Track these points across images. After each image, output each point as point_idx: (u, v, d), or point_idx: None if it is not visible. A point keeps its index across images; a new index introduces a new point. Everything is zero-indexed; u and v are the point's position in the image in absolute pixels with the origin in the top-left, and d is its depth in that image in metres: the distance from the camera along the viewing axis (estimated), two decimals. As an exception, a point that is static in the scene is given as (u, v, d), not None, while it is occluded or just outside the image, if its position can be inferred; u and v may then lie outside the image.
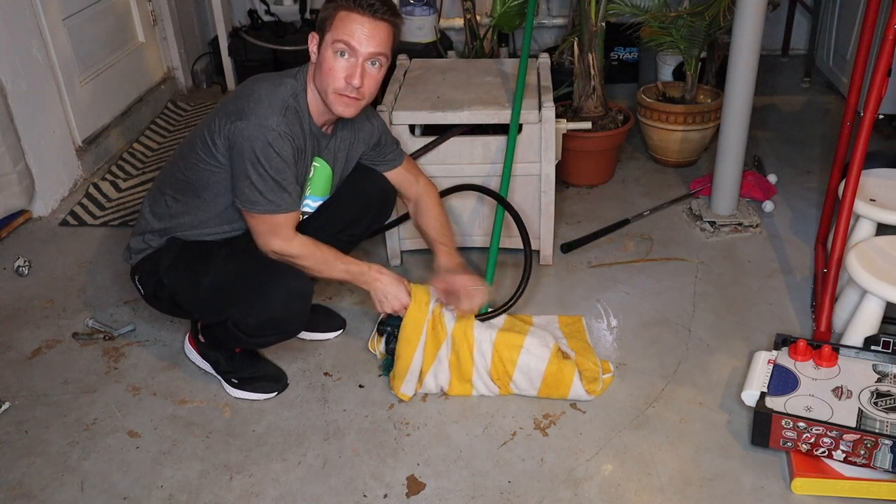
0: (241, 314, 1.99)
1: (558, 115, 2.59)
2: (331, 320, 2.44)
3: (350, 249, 2.29)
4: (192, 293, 2.04)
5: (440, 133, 2.56)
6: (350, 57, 1.91)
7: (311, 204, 2.17)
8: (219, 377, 2.22)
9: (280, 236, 1.99)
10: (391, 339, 2.22)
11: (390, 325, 2.24)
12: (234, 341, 2.08)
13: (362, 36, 1.90)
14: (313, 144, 2.06)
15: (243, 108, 1.93)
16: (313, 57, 1.98)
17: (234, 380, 2.19)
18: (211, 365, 2.22)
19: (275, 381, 2.22)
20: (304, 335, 2.39)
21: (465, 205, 2.67)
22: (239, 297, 1.99)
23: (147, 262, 2.10)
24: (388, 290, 2.10)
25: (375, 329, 2.34)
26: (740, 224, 2.88)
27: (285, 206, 1.98)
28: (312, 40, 1.97)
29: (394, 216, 2.61)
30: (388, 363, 2.24)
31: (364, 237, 2.41)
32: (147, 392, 2.22)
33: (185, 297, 2.07)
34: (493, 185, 2.59)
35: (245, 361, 2.19)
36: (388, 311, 2.13)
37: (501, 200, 2.47)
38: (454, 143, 2.57)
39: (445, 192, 2.54)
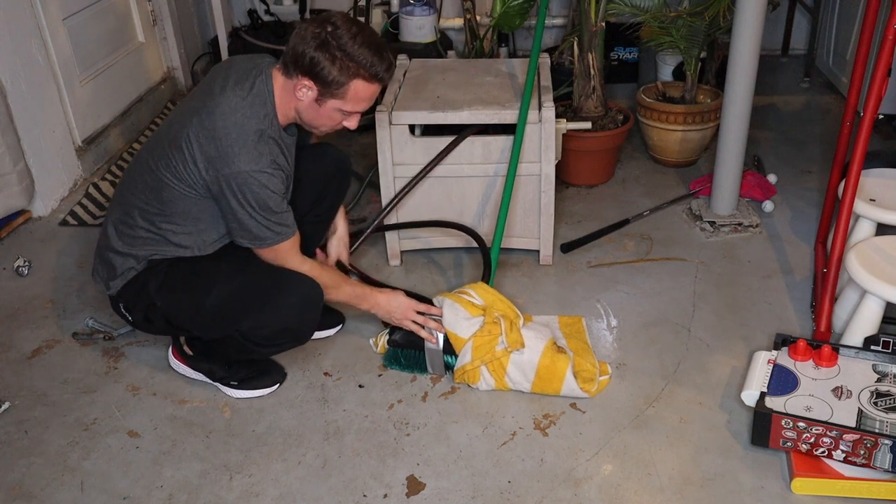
0: (253, 326, 1.99)
1: (558, 115, 2.59)
2: (330, 317, 2.43)
3: (321, 231, 2.33)
4: (193, 312, 2.01)
5: (439, 134, 2.56)
6: (352, 113, 1.98)
7: None
8: (216, 384, 2.21)
9: (289, 263, 2.02)
10: (394, 331, 2.25)
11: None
12: (241, 353, 2.08)
13: (370, 100, 1.96)
14: (288, 151, 2.03)
15: (223, 151, 1.86)
16: (304, 101, 1.92)
17: (232, 382, 2.19)
18: (205, 374, 2.21)
19: (273, 374, 2.22)
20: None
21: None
22: (252, 309, 1.98)
23: (130, 288, 2.04)
24: (391, 304, 2.19)
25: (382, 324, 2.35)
26: (740, 224, 2.88)
27: (289, 230, 1.99)
28: (305, 87, 1.89)
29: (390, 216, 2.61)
30: (390, 356, 2.25)
31: (331, 216, 2.36)
32: (147, 392, 2.22)
33: (184, 317, 2.04)
34: (497, 185, 2.59)
35: (241, 364, 2.18)
36: (399, 323, 2.20)
37: (472, 233, 2.54)
38: (454, 144, 2.57)
39: (420, 225, 2.61)
